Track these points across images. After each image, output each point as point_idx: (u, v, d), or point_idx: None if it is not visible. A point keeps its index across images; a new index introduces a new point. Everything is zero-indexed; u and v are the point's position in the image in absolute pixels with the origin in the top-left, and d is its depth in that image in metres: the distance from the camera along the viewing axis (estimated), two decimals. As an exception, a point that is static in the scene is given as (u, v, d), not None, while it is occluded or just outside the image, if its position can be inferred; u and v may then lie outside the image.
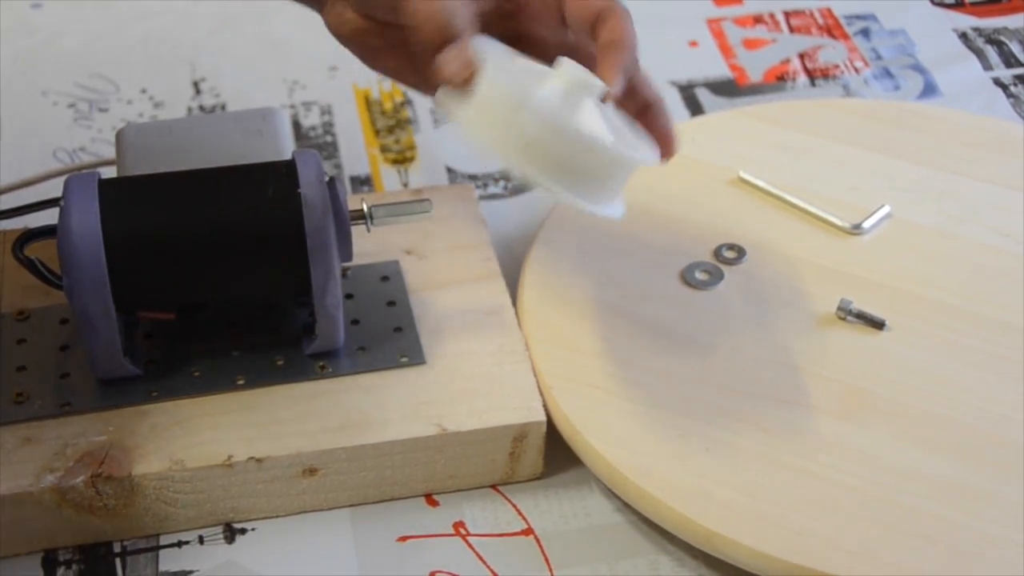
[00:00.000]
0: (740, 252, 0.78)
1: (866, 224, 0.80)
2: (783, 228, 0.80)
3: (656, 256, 0.78)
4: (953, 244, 0.79)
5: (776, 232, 0.80)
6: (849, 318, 0.74)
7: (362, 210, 0.69)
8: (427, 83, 0.69)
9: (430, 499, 0.70)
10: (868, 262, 0.78)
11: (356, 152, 0.92)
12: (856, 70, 0.99)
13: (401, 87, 0.95)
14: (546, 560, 0.67)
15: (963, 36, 1.02)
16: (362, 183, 0.90)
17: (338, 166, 0.91)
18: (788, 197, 0.81)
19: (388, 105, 0.96)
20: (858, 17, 1.05)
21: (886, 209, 0.81)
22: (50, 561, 0.67)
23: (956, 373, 0.71)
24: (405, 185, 0.89)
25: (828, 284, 0.76)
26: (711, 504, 0.65)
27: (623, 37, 0.65)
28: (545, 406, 0.69)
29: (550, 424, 0.69)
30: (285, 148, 0.71)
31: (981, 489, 0.66)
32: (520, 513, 0.69)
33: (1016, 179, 0.83)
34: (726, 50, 1.01)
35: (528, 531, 0.69)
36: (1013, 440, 0.68)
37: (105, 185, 0.66)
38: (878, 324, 0.74)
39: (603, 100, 0.63)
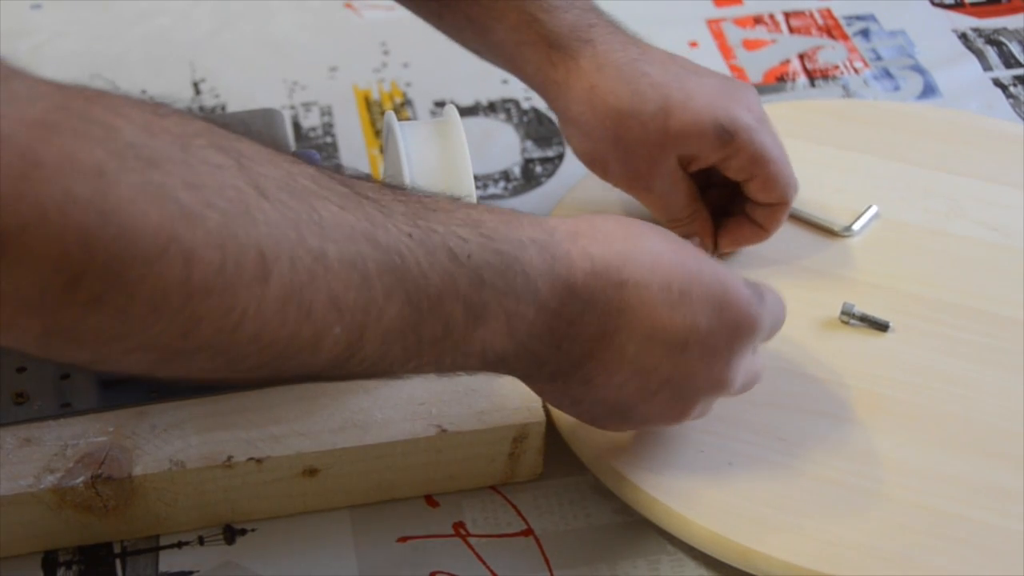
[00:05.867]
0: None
1: (856, 226, 0.80)
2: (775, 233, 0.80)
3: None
4: (943, 241, 0.79)
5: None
6: (852, 321, 0.74)
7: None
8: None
9: (430, 500, 0.70)
10: (862, 264, 0.78)
11: (356, 153, 0.92)
12: (856, 71, 0.99)
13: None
14: (546, 560, 0.67)
15: (963, 36, 1.02)
16: (362, 183, 0.89)
17: (338, 167, 0.91)
18: None
19: (388, 106, 0.96)
20: (858, 18, 1.05)
21: (874, 209, 0.81)
22: (50, 561, 0.67)
23: (965, 371, 0.72)
24: (405, 185, 0.89)
25: (826, 288, 0.76)
26: (712, 504, 0.65)
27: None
28: (545, 406, 0.69)
29: (550, 424, 0.69)
30: (285, 149, 0.71)
31: (1009, 488, 0.66)
32: (520, 513, 0.69)
33: (995, 172, 0.84)
34: (726, 51, 1.01)
35: (528, 531, 0.69)
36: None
37: (105, 185, 0.66)
38: (882, 326, 0.74)
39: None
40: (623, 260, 0.57)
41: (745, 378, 0.63)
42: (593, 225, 0.58)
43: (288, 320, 0.49)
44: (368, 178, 0.54)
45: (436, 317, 0.53)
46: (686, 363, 0.59)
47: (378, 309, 0.51)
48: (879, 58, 1.00)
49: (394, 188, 0.54)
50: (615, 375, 0.59)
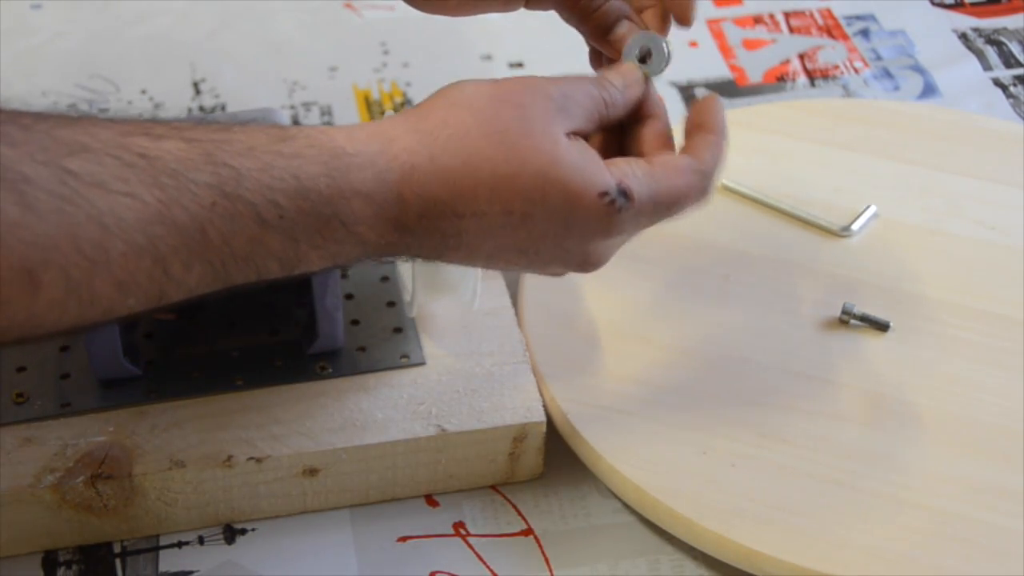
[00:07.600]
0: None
1: (855, 226, 0.80)
2: (773, 234, 0.80)
3: (648, 269, 0.77)
4: (941, 240, 0.79)
5: (767, 239, 0.79)
6: (853, 321, 0.74)
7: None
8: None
9: (430, 499, 0.70)
10: (862, 264, 0.78)
11: (356, 152, 0.92)
12: (856, 71, 0.99)
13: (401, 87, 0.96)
14: (546, 560, 0.67)
15: (963, 36, 1.02)
16: (362, 183, 0.89)
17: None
18: (774, 203, 0.81)
19: (388, 105, 0.96)
20: (858, 17, 1.05)
21: (872, 209, 0.81)
22: (50, 561, 0.67)
23: (966, 371, 0.72)
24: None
25: (826, 288, 0.76)
26: (714, 505, 0.65)
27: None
28: (545, 406, 0.69)
29: (550, 424, 0.69)
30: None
31: (1010, 487, 0.66)
32: (520, 513, 0.69)
33: (994, 172, 0.84)
34: (726, 51, 1.01)
35: (528, 531, 0.69)
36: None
37: (105, 185, 0.66)
38: (883, 326, 0.74)
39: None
40: (458, 194, 0.56)
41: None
42: (432, 154, 0.56)
43: (68, 314, 0.50)
44: (189, 128, 0.53)
45: (246, 270, 0.54)
46: (540, 260, 0.60)
47: (176, 280, 0.52)
48: (879, 58, 1.00)
49: (213, 144, 0.53)
50: (477, 261, 0.59)
